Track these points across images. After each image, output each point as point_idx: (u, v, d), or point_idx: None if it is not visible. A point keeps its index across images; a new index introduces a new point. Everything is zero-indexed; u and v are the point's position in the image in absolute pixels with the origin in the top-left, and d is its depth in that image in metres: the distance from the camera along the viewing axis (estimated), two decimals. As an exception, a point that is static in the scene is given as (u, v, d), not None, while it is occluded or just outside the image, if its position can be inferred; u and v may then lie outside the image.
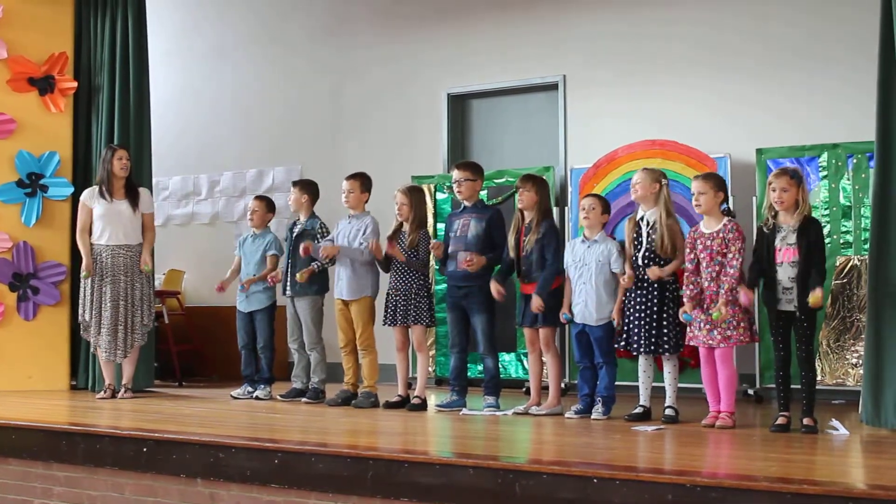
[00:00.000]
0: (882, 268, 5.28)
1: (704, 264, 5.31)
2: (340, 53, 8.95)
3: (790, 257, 5.10)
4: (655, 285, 5.53)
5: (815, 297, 4.94)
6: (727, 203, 5.43)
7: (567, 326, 6.17)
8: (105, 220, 7.05)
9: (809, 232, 5.09)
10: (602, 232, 5.81)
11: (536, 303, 5.79)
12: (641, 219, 5.63)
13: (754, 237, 5.41)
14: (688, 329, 5.37)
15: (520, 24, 8.16)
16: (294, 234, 6.84)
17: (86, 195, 7.20)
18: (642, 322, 5.53)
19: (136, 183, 7.26)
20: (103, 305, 7.02)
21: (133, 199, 7.12)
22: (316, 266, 6.63)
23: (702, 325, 5.27)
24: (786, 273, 5.11)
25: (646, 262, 5.55)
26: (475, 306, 6.08)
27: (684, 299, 5.35)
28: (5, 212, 7.59)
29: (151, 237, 7.25)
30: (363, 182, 6.63)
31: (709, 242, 5.31)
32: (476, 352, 6.24)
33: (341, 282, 6.50)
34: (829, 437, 4.92)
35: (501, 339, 6.54)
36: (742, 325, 5.22)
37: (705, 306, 5.28)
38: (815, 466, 4.21)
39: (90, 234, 7.10)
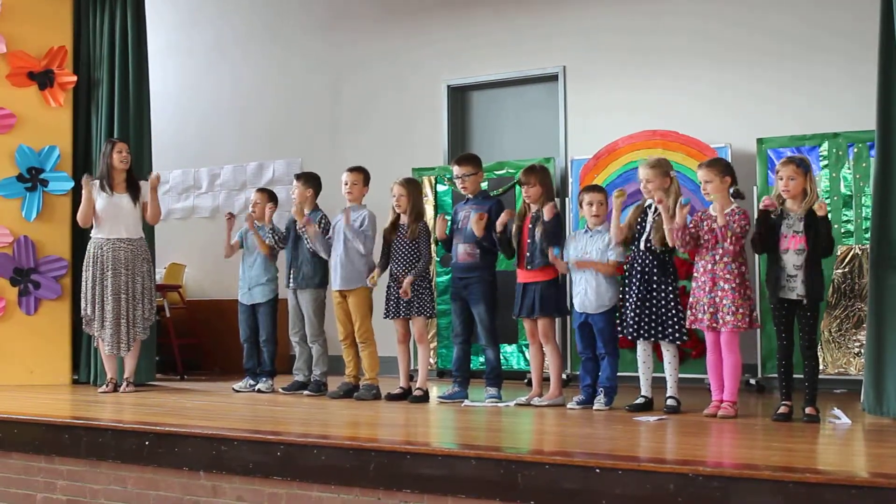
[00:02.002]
0: (883, 257, 5.27)
1: (709, 245, 5.31)
2: (340, 46, 8.93)
3: (796, 244, 5.08)
4: (654, 272, 5.53)
5: (818, 205, 4.97)
6: (736, 184, 5.34)
7: (568, 318, 6.15)
8: (106, 214, 7.04)
9: (816, 220, 5.05)
10: (605, 222, 5.82)
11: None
12: (649, 206, 5.62)
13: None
14: (688, 313, 5.36)
15: (519, 16, 8.14)
16: (297, 227, 6.82)
17: (88, 187, 7.19)
18: (638, 308, 5.53)
19: (136, 177, 7.24)
20: (105, 299, 7.00)
21: (134, 192, 7.10)
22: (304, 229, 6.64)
23: (705, 308, 5.27)
24: (791, 260, 5.08)
25: (647, 245, 5.56)
26: (475, 297, 6.08)
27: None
28: (5, 206, 7.59)
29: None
30: (365, 175, 6.63)
31: (714, 225, 5.29)
32: (479, 343, 6.25)
33: (336, 272, 6.51)
34: (831, 426, 4.92)
35: (502, 331, 6.53)
36: (741, 310, 5.19)
37: (707, 288, 5.27)
38: (818, 455, 4.21)
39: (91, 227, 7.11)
